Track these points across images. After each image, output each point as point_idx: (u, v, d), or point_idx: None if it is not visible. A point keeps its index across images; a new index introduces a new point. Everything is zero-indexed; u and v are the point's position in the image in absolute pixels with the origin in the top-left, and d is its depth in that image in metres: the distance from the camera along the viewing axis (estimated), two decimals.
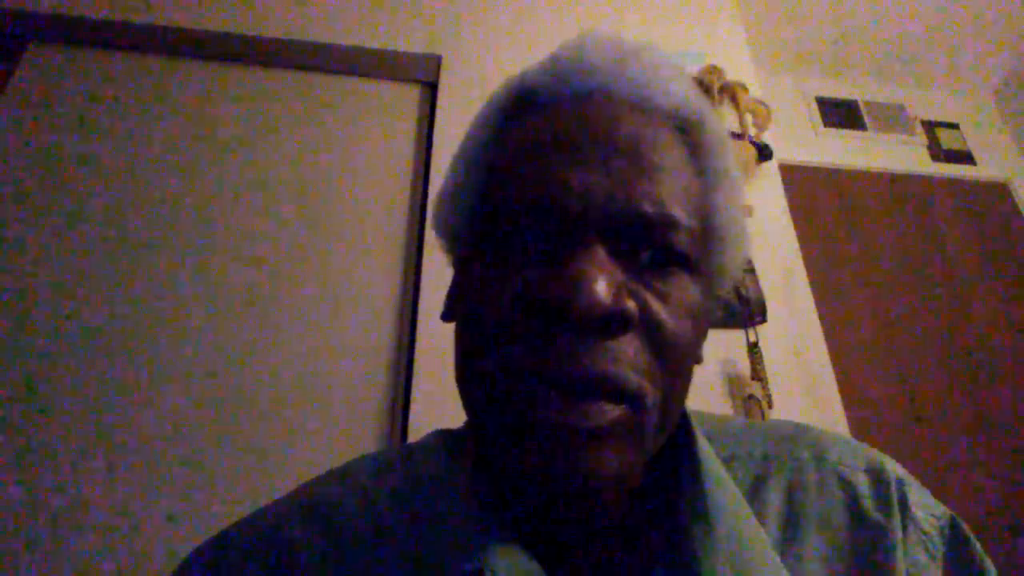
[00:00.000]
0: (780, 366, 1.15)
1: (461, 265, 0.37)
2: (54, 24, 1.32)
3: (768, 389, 1.09)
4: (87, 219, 1.17)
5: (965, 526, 0.38)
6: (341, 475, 0.39)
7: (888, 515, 0.36)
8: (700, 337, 0.33)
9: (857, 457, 0.39)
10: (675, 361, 0.29)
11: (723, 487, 0.34)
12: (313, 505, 0.36)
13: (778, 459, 0.38)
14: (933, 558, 0.36)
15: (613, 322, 0.27)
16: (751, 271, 1.25)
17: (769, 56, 2.01)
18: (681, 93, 0.34)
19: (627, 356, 0.28)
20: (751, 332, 1.15)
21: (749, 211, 1.33)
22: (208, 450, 1.02)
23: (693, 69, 1.50)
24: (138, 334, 1.09)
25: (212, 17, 1.39)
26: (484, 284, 0.31)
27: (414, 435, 1.03)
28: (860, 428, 1.44)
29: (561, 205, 0.29)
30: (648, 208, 0.29)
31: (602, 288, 0.26)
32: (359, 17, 1.45)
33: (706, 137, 0.34)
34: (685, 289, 0.30)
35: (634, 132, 0.31)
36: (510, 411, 0.28)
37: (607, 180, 0.29)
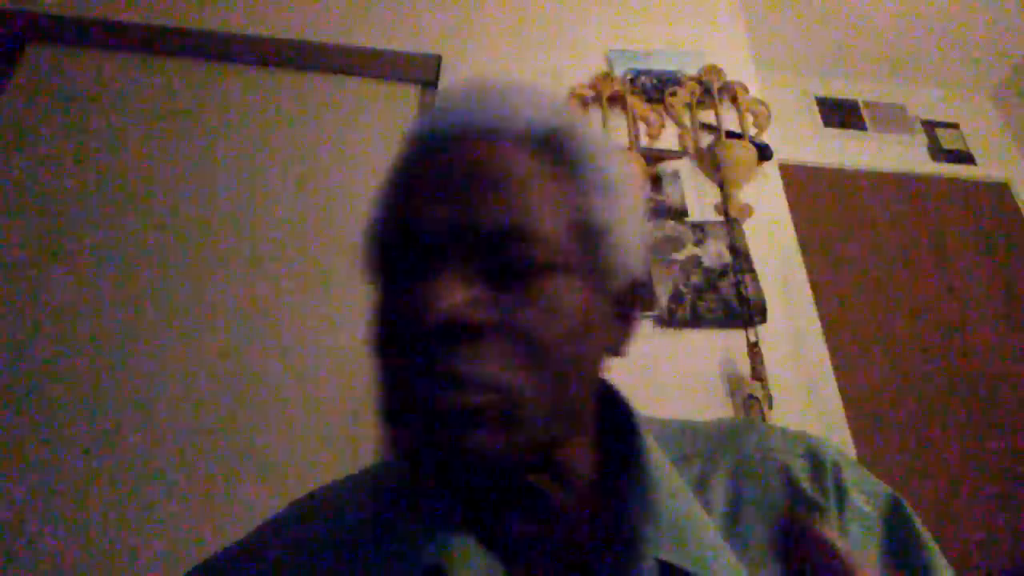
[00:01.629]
0: (780, 366, 1.15)
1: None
2: (54, 24, 1.32)
3: (768, 389, 1.09)
4: (86, 219, 1.17)
5: (907, 506, 0.40)
6: (315, 495, 0.44)
7: (824, 496, 0.38)
8: (588, 331, 0.35)
9: (795, 444, 0.42)
10: (546, 356, 0.32)
11: (668, 480, 0.38)
12: (283, 524, 0.41)
13: (724, 454, 0.41)
14: (870, 534, 0.38)
15: (464, 330, 0.31)
16: (751, 271, 1.25)
17: (769, 56, 2.00)
18: (537, 115, 0.37)
19: (488, 356, 0.31)
20: (751, 332, 1.15)
21: (749, 211, 1.33)
22: (208, 450, 1.02)
23: (693, 69, 1.50)
24: (138, 334, 1.09)
25: (212, 17, 1.39)
26: (375, 312, 0.36)
27: None
28: (860, 428, 1.44)
29: (416, 234, 0.34)
30: (492, 224, 0.33)
31: (444, 300, 0.30)
32: (359, 17, 1.45)
33: (574, 148, 0.38)
34: (552, 291, 0.33)
35: (480, 158, 0.35)
36: (394, 403, 0.33)
37: (453, 206, 0.33)
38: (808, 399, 1.16)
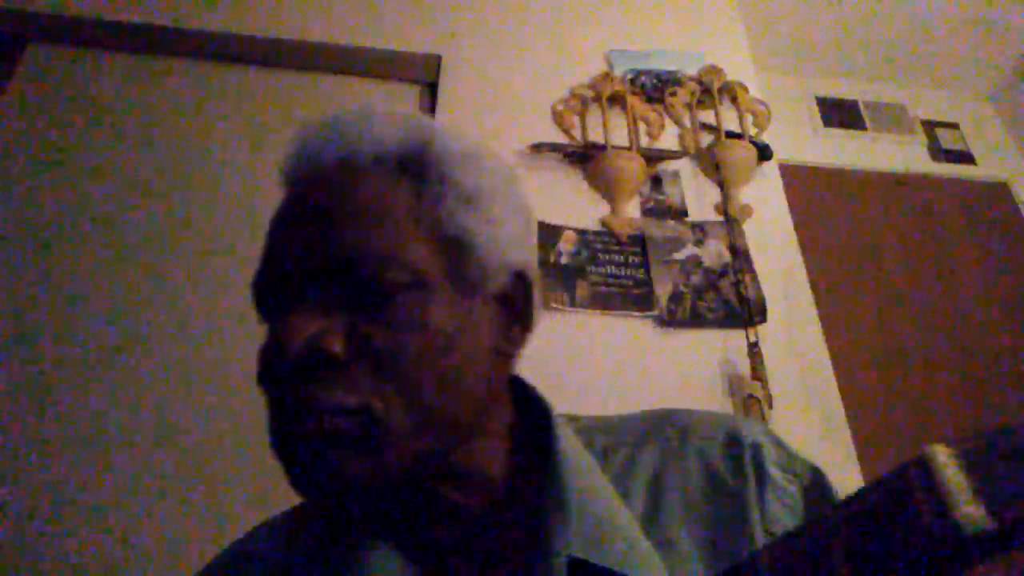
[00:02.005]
0: (780, 366, 1.15)
1: None
2: (54, 24, 1.32)
3: (768, 389, 1.09)
4: (87, 219, 1.17)
5: (827, 477, 0.41)
6: (235, 546, 0.45)
7: (742, 477, 0.39)
8: (462, 339, 0.35)
9: (716, 429, 0.42)
10: (408, 373, 0.33)
11: (582, 475, 0.38)
12: (235, 556, 0.43)
13: (647, 443, 0.42)
14: (792, 510, 0.38)
15: (319, 360, 0.32)
16: (751, 271, 1.25)
17: (769, 56, 2.00)
18: (388, 136, 0.38)
19: (346, 383, 0.32)
20: (751, 332, 1.15)
21: (749, 211, 1.33)
22: (208, 450, 1.02)
23: (693, 69, 1.50)
24: (138, 333, 1.09)
25: (212, 17, 1.39)
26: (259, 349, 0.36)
27: None
28: (860, 427, 1.44)
29: (273, 272, 0.35)
30: (340, 252, 0.34)
31: (293, 339, 0.31)
32: (359, 17, 1.45)
33: (430, 160, 0.38)
34: (411, 309, 0.34)
35: (334, 188, 0.36)
36: (272, 435, 0.34)
37: (303, 239, 0.35)
38: (808, 399, 1.16)
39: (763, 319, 1.19)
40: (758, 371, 1.11)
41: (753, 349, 1.13)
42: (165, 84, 1.32)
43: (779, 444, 0.42)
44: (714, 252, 1.27)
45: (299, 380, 0.32)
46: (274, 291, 0.35)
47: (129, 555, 0.93)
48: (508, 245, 0.39)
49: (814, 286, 1.39)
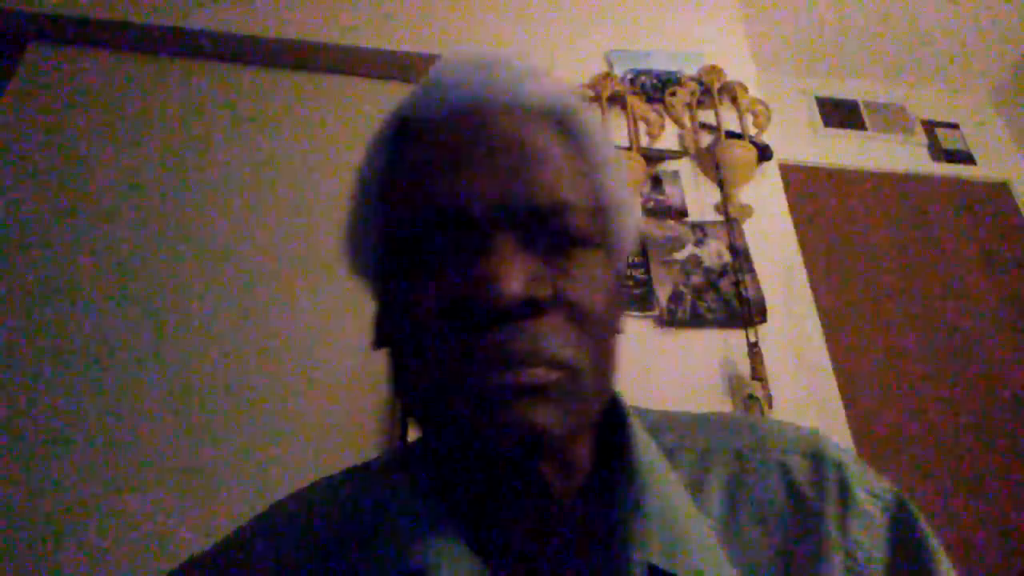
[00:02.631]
0: (780, 366, 1.15)
1: (380, 294, 0.40)
2: (54, 24, 1.32)
3: (768, 389, 1.09)
4: (87, 219, 1.17)
5: (911, 504, 0.38)
6: (299, 495, 0.43)
7: (825, 497, 0.37)
8: (615, 308, 0.35)
9: (797, 442, 0.40)
10: (594, 330, 0.32)
11: (659, 476, 0.36)
12: (271, 522, 0.40)
13: (720, 450, 0.39)
14: (875, 536, 0.36)
15: (528, 308, 0.30)
16: (751, 271, 1.25)
17: (769, 56, 2.00)
18: (548, 91, 0.37)
19: (550, 333, 0.31)
20: (751, 332, 1.15)
21: (749, 211, 1.33)
22: (207, 450, 1.02)
23: (693, 69, 1.50)
24: (137, 333, 1.09)
25: (212, 17, 1.39)
26: (406, 300, 0.33)
27: (414, 435, 1.03)
28: (860, 427, 1.44)
29: (461, 210, 0.32)
30: (541, 198, 0.32)
31: (510, 279, 0.29)
32: (358, 17, 1.45)
33: (581, 125, 0.37)
34: (589, 265, 0.33)
35: (511, 131, 0.34)
36: (450, 390, 0.31)
37: (498, 180, 0.32)
38: (808, 399, 1.16)
39: (763, 319, 1.20)
40: (758, 371, 1.11)
41: (753, 349, 1.13)
42: (165, 84, 1.32)
43: (861, 463, 0.40)
44: (714, 252, 1.28)
45: (508, 327, 0.30)
46: (458, 230, 0.32)
47: (129, 555, 0.93)
48: (631, 227, 0.39)
49: (814, 286, 1.39)
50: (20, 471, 0.97)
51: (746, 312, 1.18)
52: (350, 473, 0.43)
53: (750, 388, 1.09)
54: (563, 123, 0.37)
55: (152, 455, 1.01)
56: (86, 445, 1.00)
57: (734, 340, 1.16)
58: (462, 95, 0.36)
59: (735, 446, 0.39)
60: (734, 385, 1.13)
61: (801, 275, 1.36)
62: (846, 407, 1.31)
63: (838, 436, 1.21)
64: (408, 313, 0.33)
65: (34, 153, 1.21)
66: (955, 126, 2.15)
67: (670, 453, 0.39)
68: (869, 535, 0.36)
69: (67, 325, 1.08)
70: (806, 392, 1.17)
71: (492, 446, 0.30)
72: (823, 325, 1.42)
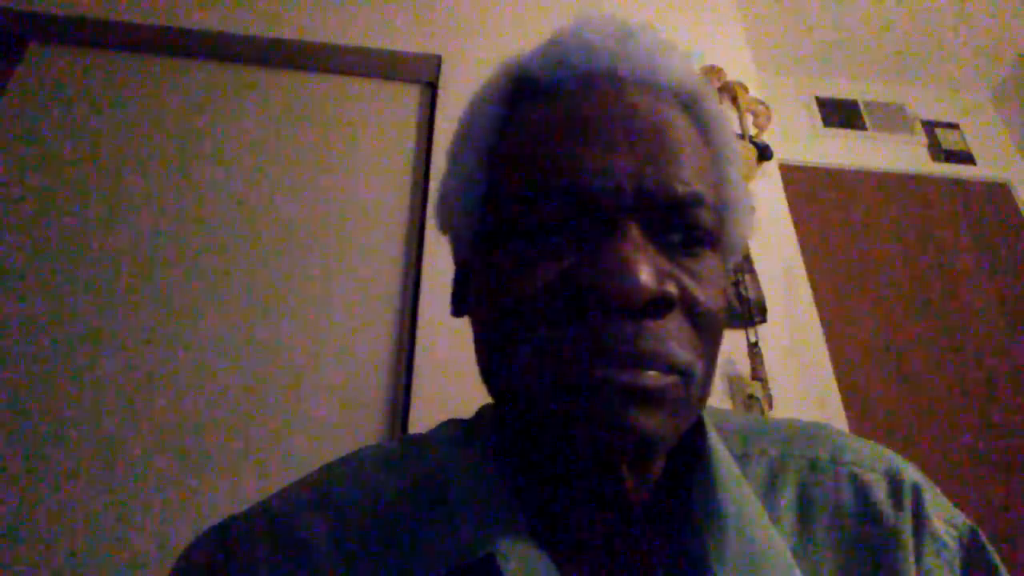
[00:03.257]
0: (780, 366, 1.15)
1: (475, 258, 0.36)
2: (54, 24, 1.32)
3: (768, 389, 1.09)
4: (87, 219, 1.17)
5: (984, 537, 0.37)
6: (348, 468, 0.39)
7: (902, 520, 0.35)
8: (726, 310, 0.33)
9: (875, 459, 0.38)
10: (713, 334, 0.31)
11: (735, 485, 0.34)
12: (321, 496, 0.36)
13: (793, 458, 0.37)
14: (950, 567, 0.35)
15: (657, 305, 0.28)
16: (751, 271, 1.25)
17: (769, 56, 2.00)
18: (682, 70, 0.34)
19: (673, 334, 0.28)
20: (751, 332, 1.15)
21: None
22: (208, 450, 1.02)
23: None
24: (137, 333, 1.09)
25: (212, 17, 1.39)
26: (513, 273, 0.30)
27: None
28: (860, 428, 1.44)
29: (592, 188, 0.29)
30: (679, 188, 0.30)
31: (645, 273, 0.27)
32: (359, 17, 1.45)
33: (709, 111, 0.35)
34: (712, 265, 0.31)
35: (651, 112, 0.31)
36: (558, 382, 0.28)
37: (635, 161, 0.30)
38: (808, 399, 1.16)
39: (763, 319, 1.20)
40: (758, 371, 1.11)
41: (753, 349, 1.13)
42: (165, 84, 1.32)
43: (936, 490, 0.38)
44: None
45: (630, 323, 0.27)
46: (585, 209, 0.29)
47: (129, 555, 0.94)
48: (749, 224, 0.36)
49: (814, 286, 1.39)
50: (20, 469, 0.97)
51: (746, 312, 1.18)
52: (406, 444, 0.41)
53: (750, 388, 1.09)
54: (692, 107, 0.34)
55: (153, 456, 1.01)
56: (88, 445, 1.00)
57: (734, 340, 1.16)
58: (598, 62, 0.33)
59: (809, 455, 0.38)
60: (734, 385, 1.13)
61: (801, 275, 1.36)
62: (846, 407, 1.31)
63: None
64: (515, 290, 0.30)
65: (34, 153, 1.21)
66: (955, 126, 2.15)
67: (741, 459, 0.37)
68: (942, 563, 0.35)
69: (67, 325, 1.08)
70: (806, 392, 1.17)
71: (592, 446, 0.28)
72: (823, 325, 1.43)
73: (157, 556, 0.94)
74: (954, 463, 1.57)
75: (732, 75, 1.49)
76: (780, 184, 1.43)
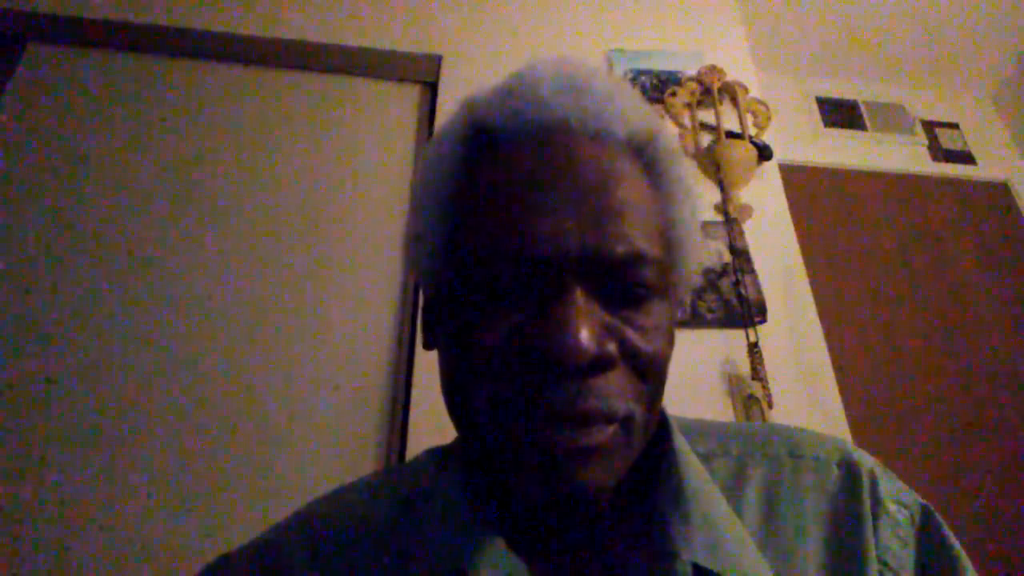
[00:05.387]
0: (780, 366, 1.15)
1: (440, 298, 0.38)
2: (54, 24, 1.32)
3: (768, 389, 1.09)
4: (87, 219, 1.17)
5: (936, 514, 0.40)
6: (331, 494, 0.43)
7: (859, 505, 0.38)
8: (672, 347, 0.35)
9: (830, 451, 0.41)
10: (656, 376, 0.33)
11: (699, 477, 0.37)
12: (302, 522, 0.40)
13: (753, 457, 0.40)
14: (905, 544, 0.38)
15: (598, 363, 0.30)
16: (751, 271, 1.25)
17: (769, 56, 2.00)
18: (634, 116, 0.35)
19: (614, 388, 0.31)
20: (751, 332, 1.15)
21: (749, 211, 1.33)
22: (208, 451, 1.02)
23: (693, 69, 1.50)
24: (137, 334, 1.09)
25: (212, 17, 1.39)
26: (470, 324, 0.33)
27: (414, 435, 1.03)
28: (860, 428, 1.44)
29: (535, 254, 0.31)
30: (620, 248, 0.31)
31: (585, 335, 0.29)
32: (359, 17, 1.45)
33: (659, 152, 0.36)
34: (657, 314, 0.33)
35: (598, 168, 0.33)
36: (508, 436, 0.31)
37: (577, 224, 0.31)
38: (808, 399, 1.16)
39: (763, 319, 1.19)
40: (758, 371, 1.11)
41: (753, 349, 1.13)
42: (165, 84, 1.32)
43: (891, 474, 0.41)
44: (714, 252, 1.27)
45: (574, 383, 0.29)
46: (534, 271, 0.31)
47: (129, 555, 0.93)
48: (697, 260, 0.38)
49: (814, 286, 1.39)
50: (22, 471, 0.97)
51: (746, 312, 1.18)
52: (386, 472, 0.44)
53: (750, 388, 1.09)
54: (644, 150, 0.36)
55: (153, 456, 1.01)
56: (89, 446, 1.00)
57: (734, 340, 1.16)
58: (551, 115, 0.34)
59: (769, 452, 0.41)
60: (734, 385, 1.13)
61: (801, 275, 1.36)
62: (846, 407, 1.31)
63: (838, 436, 1.21)
64: (473, 341, 0.32)
65: (34, 153, 1.21)
66: (955, 126, 2.15)
67: (705, 459, 0.40)
68: (899, 541, 0.38)
69: (68, 325, 1.08)
70: (806, 392, 1.17)
71: (541, 499, 0.30)
72: (823, 325, 1.42)
73: (158, 555, 0.94)
74: (954, 463, 1.57)
75: (732, 75, 1.49)
76: (780, 184, 1.43)
